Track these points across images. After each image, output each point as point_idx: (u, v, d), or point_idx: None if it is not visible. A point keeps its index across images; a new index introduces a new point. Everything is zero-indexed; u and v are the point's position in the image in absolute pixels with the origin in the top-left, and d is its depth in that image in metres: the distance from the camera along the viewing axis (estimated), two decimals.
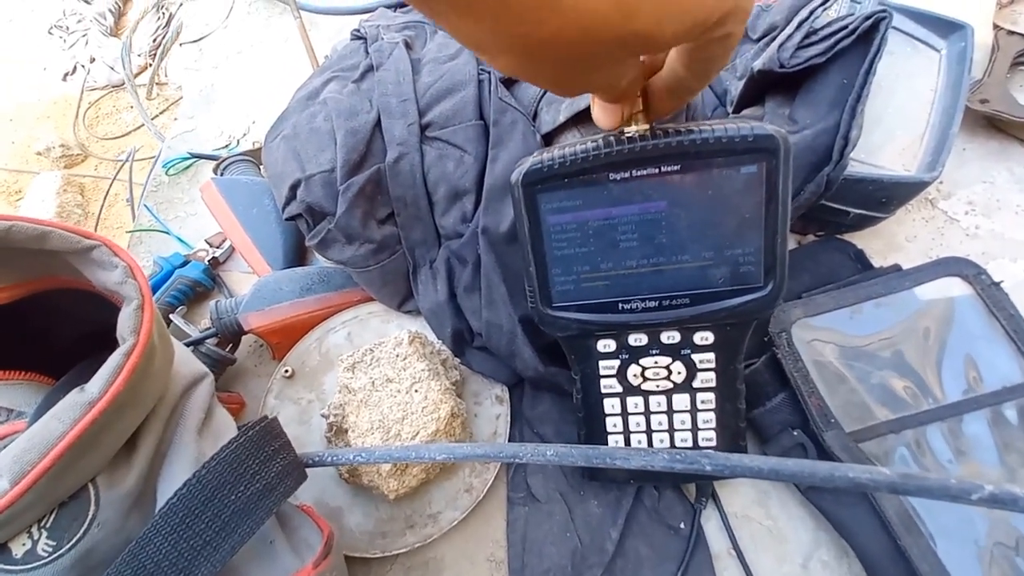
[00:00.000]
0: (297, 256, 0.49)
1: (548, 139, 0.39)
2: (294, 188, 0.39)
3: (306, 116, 0.41)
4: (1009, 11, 0.48)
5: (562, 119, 0.36)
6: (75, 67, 2.26)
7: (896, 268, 0.40)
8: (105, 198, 1.96)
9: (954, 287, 0.37)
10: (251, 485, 0.24)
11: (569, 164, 0.28)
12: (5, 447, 0.26)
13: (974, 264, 0.37)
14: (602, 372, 0.33)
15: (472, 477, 0.37)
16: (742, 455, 0.21)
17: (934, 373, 0.35)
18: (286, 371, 0.41)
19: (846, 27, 0.33)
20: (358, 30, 0.46)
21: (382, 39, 0.43)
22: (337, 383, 0.33)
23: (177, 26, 1.95)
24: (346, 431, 0.32)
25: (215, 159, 0.53)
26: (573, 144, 0.28)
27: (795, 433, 0.35)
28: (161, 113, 2.20)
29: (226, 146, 0.58)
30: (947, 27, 0.41)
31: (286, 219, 0.40)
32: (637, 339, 0.31)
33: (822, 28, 0.34)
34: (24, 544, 0.24)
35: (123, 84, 2.22)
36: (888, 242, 0.45)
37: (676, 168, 0.27)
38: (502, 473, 0.39)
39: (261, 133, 0.58)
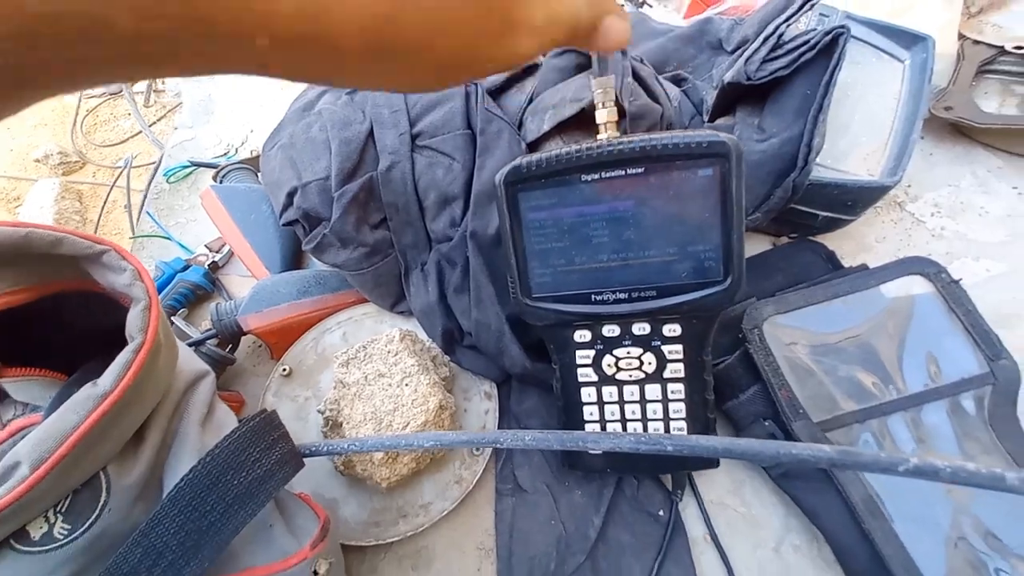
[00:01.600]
0: (293, 260, 0.51)
1: (533, 147, 0.41)
2: (291, 195, 0.41)
3: (302, 126, 0.43)
4: (976, 21, 0.51)
5: (546, 128, 0.39)
6: None
7: (863, 268, 0.42)
8: (104, 205, 1.98)
9: (916, 285, 0.39)
10: (252, 471, 0.26)
11: (546, 166, 0.30)
12: (23, 437, 0.28)
13: (935, 263, 0.39)
14: (579, 361, 0.35)
15: (462, 469, 0.39)
16: (699, 436, 0.23)
17: (897, 366, 0.37)
18: (284, 369, 0.43)
19: (807, 42, 0.35)
20: None
21: None
22: (332, 379, 0.35)
23: None
24: (341, 425, 0.34)
25: (214, 167, 0.55)
26: (552, 149, 0.31)
27: (767, 423, 0.37)
28: (159, 120, 2.22)
29: (225, 154, 0.60)
30: (910, 39, 0.43)
31: (283, 225, 0.42)
32: (611, 330, 0.33)
33: (788, 42, 0.37)
34: (41, 527, 0.25)
35: (121, 91, 2.25)
36: (859, 243, 0.47)
37: (640, 171, 0.29)
38: (491, 466, 0.41)
39: (258, 142, 0.60)
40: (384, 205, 0.42)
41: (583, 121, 0.39)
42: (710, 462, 0.36)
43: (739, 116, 0.40)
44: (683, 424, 0.35)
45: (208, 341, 0.45)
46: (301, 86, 0.63)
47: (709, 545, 0.38)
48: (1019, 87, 0.49)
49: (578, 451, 0.37)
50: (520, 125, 0.42)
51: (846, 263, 0.45)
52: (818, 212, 0.42)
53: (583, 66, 0.41)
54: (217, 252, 0.54)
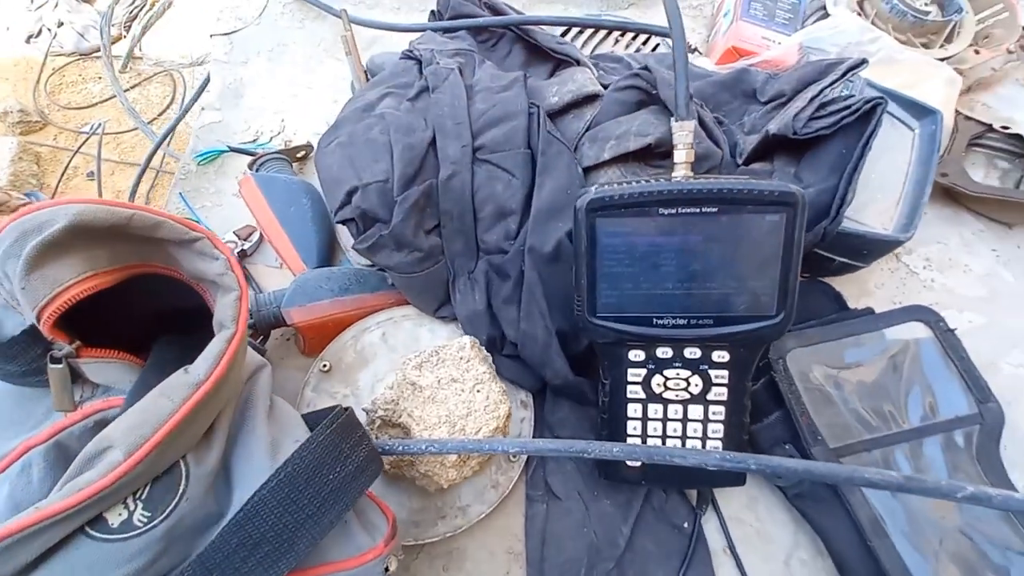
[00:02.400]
0: (329, 255, 0.51)
1: (588, 171, 0.43)
2: (351, 194, 0.41)
3: (362, 127, 0.44)
4: (967, 99, 0.57)
5: (607, 156, 0.41)
6: (40, 30, 2.13)
7: (869, 311, 0.47)
8: (64, 171, 1.86)
9: (917, 330, 0.44)
10: (344, 467, 0.27)
11: (628, 197, 0.32)
12: (99, 420, 0.28)
13: (934, 312, 0.44)
14: (630, 379, 0.37)
15: (498, 474, 0.41)
16: (782, 459, 0.26)
17: (901, 401, 0.41)
18: (324, 365, 0.43)
19: (850, 107, 0.39)
20: (410, 51, 0.49)
21: (436, 63, 0.46)
22: (393, 380, 0.36)
23: (164, 3, 1.88)
24: (398, 425, 0.35)
25: (252, 154, 0.54)
26: (630, 181, 0.33)
27: (787, 447, 0.41)
28: (132, 88, 2.12)
29: (254, 140, 0.59)
30: (921, 111, 0.48)
31: (337, 222, 0.43)
32: (664, 352, 0.36)
33: (829, 103, 0.41)
34: (120, 515, 0.25)
35: (92, 53, 2.12)
36: (860, 287, 0.52)
37: (714, 210, 0.32)
38: (522, 472, 0.43)
39: (293, 134, 0.59)
40: (440, 212, 0.43)
41: (639, 153, 0.42)
42: (738, 480, 0.39)
43: (777, 164, 0.44)
44: (719, 444, 0.37)
45: None
46: (337, 82, 0.63)
47: (728, 557, 0.40)
48: (1001, 162, 0.56)
49: (614, 462, 0.40)
50: (575, 149, 0.44)
51: (850, 304, 0.49)
52: (835, 257, 0.46)
53: (644, 102, 0.44)
54: (246, 240, 0.53)
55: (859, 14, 0.59)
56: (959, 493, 0.22)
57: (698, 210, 0.32)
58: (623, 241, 0.33)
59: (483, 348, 0.39)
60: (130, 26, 2.09)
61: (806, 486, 0.40)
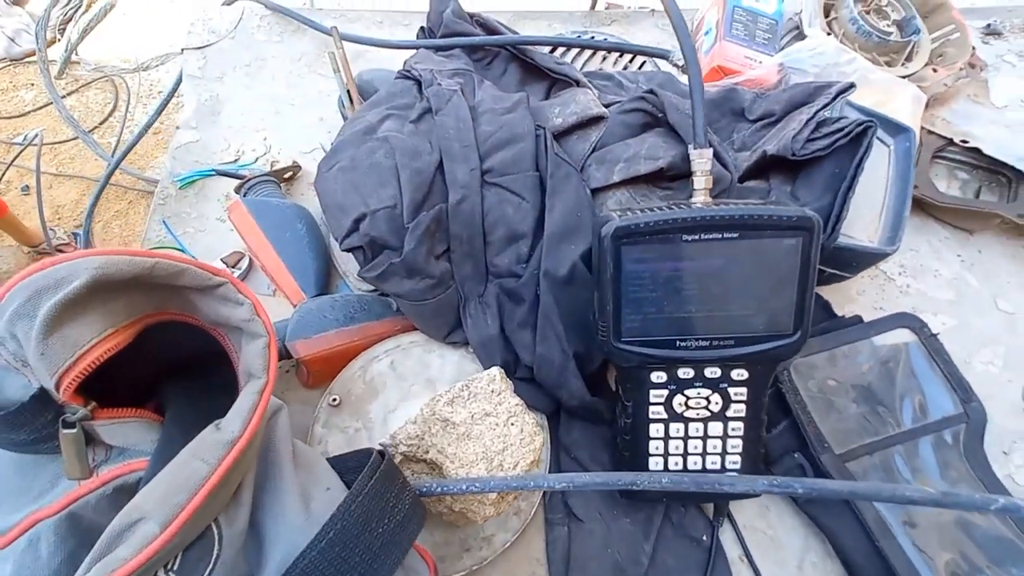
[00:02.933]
0: (326, 281, 0.49)
1: (595, 193, 0.44)
2: (358, 221, 0.40)
3: (365, 150, 0.42)
4: (927, 114, 0.61)
5: (616, 179, 0.41)
6: None
7: (858, 318, 0.49)
8: None
9: (904, 336, 0.47)
10: (392, 517, 0.26)
11: (653, 225, 0.33)
12: (119, 486, 0.26)
13: (918, 319, 0.47)
14: (651, 400, 0.38)
15: (520, 500, 0.40)
16: (834, 481, 0.27)
17: (894, 404, 0.44)
18: (333, 400, 0.41)
19: (843, 129, 0.41)
20: (408, 71, 0.48)
21: (438, 84, 0.46)
22: (417, 415, 0.35)
23: (105, 5, 1.77)
24: (424, 461, 0.34)
25: (240, 177, 0.51)
26: (652, 208, 0.34)
27: (796, 456, 0.42)
28: (69, 94, 1.97)
29: (235, 160, 0.57)
30: (895, 128, 0.51)
31: (344, 250, 0.41)
32: (685, 372, 0.37)
33: (822, 124, 0.43)
34: None
35: (24, 58, 1.97)
36: (844, 295, 0.55)
37: (735, 236, 0.33)
38: (541, 496, 0.43)
39: (278, 153, 0.57)
40: (449, 236, 0.42)
41: (648, 176, 0.42)
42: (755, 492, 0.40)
43: (773, 183, 0.45)
44: (738, 458, 0.38)
45: None
46: (322, 98, 0.61)
47: (744, 565, 0.42)
48: (961, 173, 0.60)
49: None
50: (581, 170, 0.45)
51: (836, 311, 0.52)
52: (825, 268, 0.48)
53: (649, 124, 0.44)
54: (235, 267, 0.50)
55: (829, 34, 0.62)
56: (992, 506, 0.24)
57: (720, 235, 0.33)
58: (647, 267, 0.34)
59: (508, 378, 0.39)
60: (64, 29, 1.95)
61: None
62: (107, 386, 0.27)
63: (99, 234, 1.71)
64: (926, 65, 0.64)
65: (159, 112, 0.74)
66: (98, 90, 1.96)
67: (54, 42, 1.96)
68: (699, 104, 0.36)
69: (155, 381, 0.30)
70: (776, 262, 0.33)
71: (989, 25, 0.73)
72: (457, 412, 0.34)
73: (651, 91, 0.44)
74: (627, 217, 0.33)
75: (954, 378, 0.44)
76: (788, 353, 0.35)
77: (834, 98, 0.43)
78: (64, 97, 1.93)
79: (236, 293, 0.27)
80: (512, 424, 0.34)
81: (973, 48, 0.66)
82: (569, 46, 0.57)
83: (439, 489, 0.29)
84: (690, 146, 0.37)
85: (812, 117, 0.42)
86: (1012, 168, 0.57)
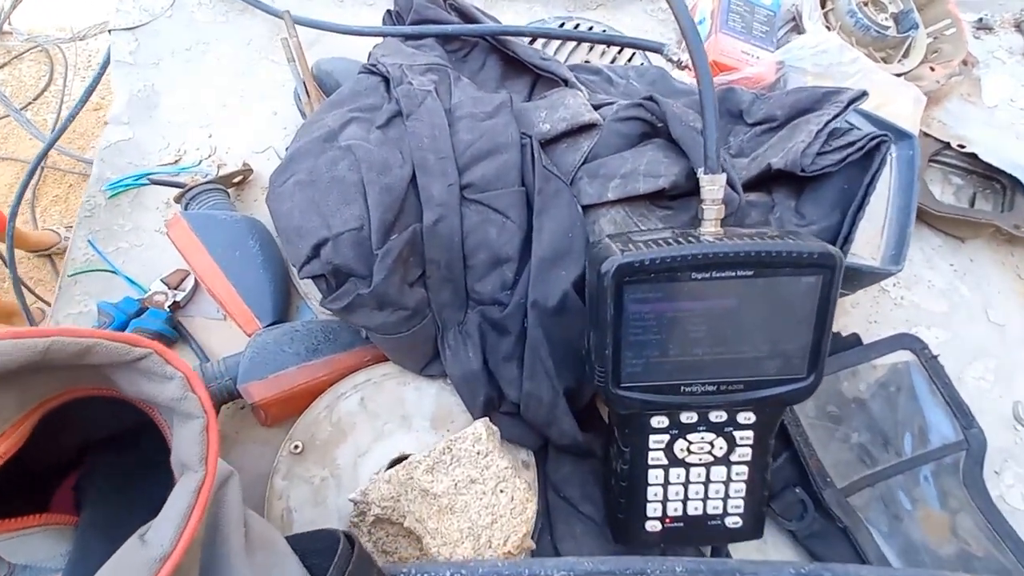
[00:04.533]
0: (285, 306, 0.44)
1: (586, 209, 0.39)
2: (318, 247, 0.35)
3: (325, 161, 0.37)
4: (924, 116, 0.59)
5: (612, 196, 0.37)
6: None
7: (855, 336, 0.47)
8: None
9: (905, 358, 0.45)
10: None
11: (660, 263, 0.29)
12: None
13: (919, 340, 0.45)
14: (651, 446, 0.35)
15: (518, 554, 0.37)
16: (850, 565, 0.24)
17: (895, 431, 0.42)
18: (295, 447, 0.37)
19: (854, 143, 0.38)
20: (373, 65, 0.42)
21: (408, 83, 0.40)
22: (391, 474, 0.31)
23: None
24: (399, 525, 0.30)
25: (179, 186, 0.45)
26: (658, 242, 0.30)
27: (797, 490, 0.40)
28: (0, 68, 1.78)
29: (176, 162, 0.50)
30: (897, 134, 0.49)
31: (303, 278, 0.36)
32: (688, 417, 0.34)
33: (832, 138, 0.39)
34: None
35: None
36: (839, 308, 0.53)
37: (749, 273, 0.30)
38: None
39: (225, 153, 0.50)
40: (425, 260, 0.38)
41: (646, 193, 0.38)
42: (756, 533, 0.38)
43: (776, 198, 0.42)
44: (740, 503, 0.36)
45: None
46: (274, 89, 0.54)
47: None
48: (956, 178, 0.58)
49: (632, 528, 0.37)
50: (571, 183, 0.40)
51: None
52: None
53: (647, 134, 0.40)
54: (177, 288, 0.44)
55: (826, 27, 0.59)
56: None
57: (733, 273, 0.29)
58: (652, 308, 0.30)
59: (495, 429, 0.35)
60: None
61: (816, 526, 0.40)
62: (6, 492, 0.22)
63: (39, 220, 1.57)
64: (922, 62, 0.61)
65: (92, 89, 0.65)
66: (32, 62, 1.78)
67: None
68: (712, 122, 0.32)
69: (69, 462, 0.25)
70: (793, 302, 0.30)
71: (981, 19, 0.71)
72: (438, 481, 0.30)
73: (650, 97, 0.39)
74: (631, 253, 0.29)
75: (954, 403, 0.43)
76: (801, 397, 0.32)
77: (845, 107, 0.39)
78: None
79: (163, 365, 0.22)
80: (501, 492, 0.30)
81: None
82: (554, 37, 0.52)
83: (416, 575, 0.25)
84: (700, 170, 0.33)
85: (823, 129, 0.39)
86: (1008, 175, 0.55)
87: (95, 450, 0.25)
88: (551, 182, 0.38)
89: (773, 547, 0.42)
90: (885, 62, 0.60)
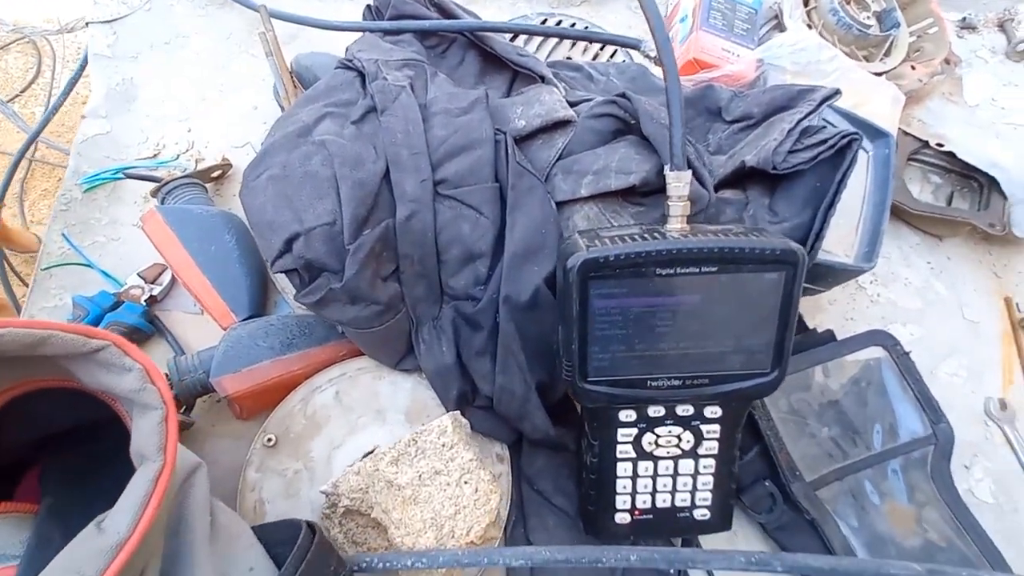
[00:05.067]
0: (262, 300, 0.44)
1: (560, 205, 0.40)
2: (290, 241, 0.35)
3: (298, 156, 0.37)
4: (904, 114, 0.59)
5: (585, 193, 0.37)
6: None
7: (830, 333, 0.48)
8: None
9: (877, 354, 0.45)
10: None
11: (624, 259, 0.29)
12: None
13: (891, 336, 0.45)
14: (620, 439, 0.35)
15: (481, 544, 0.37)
16: (811, 556, 0.25)
17: (865, 426, 0.43)
18: (268, 440, 0.37)
19: (826, 141, 0.38)
20: (349, 60, 0.42)
21: (383, 78, 0.40)
22: (360, 466, 0.31)
23: None
24: (367, 516, 0.30)
25: (155, 180, 0.45)
26: (623, 237, 0.30)
27: (767, 484, 0.41)
28: None
29: (154, 156, 0.50)
30: (874, 132, 0.49)
31: (275, 272, 0.36)
32: (656, 411, 0.34)
33: (805, 136, 0.39)
34: None
35: None
36: (815, 304, 0.54)
37: (713, 270, 0.30)
38: (502, 533, 0.40)
39: (204, 147, 0.50)
40: (398, 256, 0.38)
41: (619, 190, 0.39)
42: (724, 525, 0.38)
43: (751, 195, 0.42)
44: (708, 495, 0.36)
45: None
46: (254, 83, 0.54)
47: None
48: (935, 176, 0.59)
49: (602, 519, 0.38)
50: (546, 179, 0.40)
51: (806, 321, 0.50)
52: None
53: (621, 131, 0.40)
54: (154, 283, 0.44)
55: (808, 25, 0.59)
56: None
57: (697, 269, 0.30)
58: (617, 303, 0.30)
59: (463, 422, 0.35)
60: None
61: (785, 519, 0.41)
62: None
63: (27, 215, 1.56)
64: (904, 61, 0.61)
65: (75, 80, 0.65)
66: (19, 53, 1.76)
67: None
68: (678, 120, 0.32)
69: (33, 455, 0.25)
70: (756, 297, 0.31)
71: (965, 19, 0.71)
72: (403, 473, 0.30)
73: (623, 94, 0.39)
74: (596, 248, 0.29)
75: (924, 399, 0.43)
76: (765, 391, 0.33)
77: (818, 105, 0.39)
78: None
79: (122, 357, 0.22)
80: (465, 483, 0.31)
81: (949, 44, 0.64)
82: (533, 34, 0.52)
83: (379, 565, 0.25)
84: (666, 167, 0.33)
85: (794, 127, 0.39)
86: (984, 174, 0.55)
87: (58, 442, 0.25)
88: (524, 178, 0.39)
89: (743, 539, 0.42)
90: (867, 60, 0.61)
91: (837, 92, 0.40)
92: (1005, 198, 0.54)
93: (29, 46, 1.73)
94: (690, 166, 0.36)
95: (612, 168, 0.37)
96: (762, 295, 0.30)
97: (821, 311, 0.53)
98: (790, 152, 0.39)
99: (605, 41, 0.52)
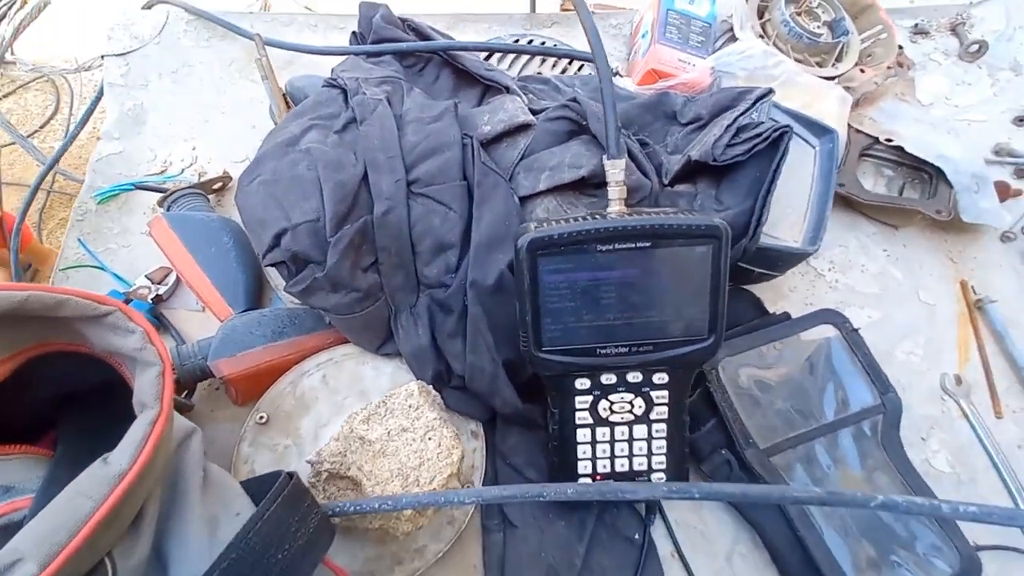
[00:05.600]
0: (257, 296, 0.48)
1: (524, 200, 0.44)
2: (279, 236, 0.39)
3: (287, 162, 0.42)
4: (856, 113, 0.63)
5: (542, 187, 0.42)
6: None
7: (786, 315, 0.51)
8: None
9: (827, 332, 0.48)
10: (295, 542, 0.25)
11: (566, 236, 0.33)
12: (4, 526, 0.25)
13: (841, 315, 0.48)
14: (577, 406, 0.38)
15: (454, 509, 0.40)
16: (721, 484, 0.28)
17: (818, 399, 0.45)
18: (261, 417, 0.41)
19: (760, 134, 0.42)
20: (334, 79, 0.47)
21: (363, 93, 0.45)
22: (339, 432, 0.34)
23: (40, 2, 1.69)
24: (348, 478, 0.34)
25: (162, 191, 0.50)
26: (568, 219, 0.34)
27: (723, 452, 0.44)
28: (6, 96, 1.88)
29: (162, 172, 0.55)
30: (820, 129, 0.53)
31: (266, 265, 0.40)
32: (608, 378, 0.38)
33: (743, 129, 0.43)
34: None
35: None
36: (777, 291, 0.57)
37: (648, 244, 0.34)
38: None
39: (207, 163, 0.55)
40: (377, 248, 0.42)
41: (574, 183, 0.43)
42: None
43: (700, 187, 0.46)
44: (663, 459, 0.39)
45: None
46: (253, 105, 0.59)
47: (676, 561, 0.43)
48: (887, 170, 0.62)
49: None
50: (511, 178, 0.45)
51: (769, 307, 0.54)
52: (754, 268, 0.50)
53: (575, 132, 0.45)
54: (160, 284, 0.49)
55: (763, 36, 0.64)
56: (872, 503, 0.25)
57: (633, 245, 0.33)
58: (564, 278, 0.34)
59: (431, 390, 0.39)
60: None
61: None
62: (20, 426, 0.26)
63: (44, 243, 1.63)
64: (855, 65, 0.66)
65: (90, 111, 0.71)
66: (37, 91, 1.87)
67: None
68: (611, 115, 0.36)
69: (53, 414, 0.29)
70: (688, 269, 0.34)
71: (917, 25, 0.76)
72: (373, 429, 0.34)
73: (574, 99, 0.44)
74: (542, 228, 0.33)
75: (872, 371, 0.46)
76: (705, 356, 0.36)
77: (753, 104, 0.44)
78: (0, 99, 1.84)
79: (126, 321, 0.26)
80: (429, 439, 0.34)
81: (900, 48, 0.69)
82: (497, 51, 0.57)
83: (351, 508, 0.29)
84: (604, 156, 0.37)
85: (732, 123, 0.43)
86: (932, 165, 0.59)
87: (72, 405, 0.29)
88: (489, 176, 0.43)
89: (708, 508, 0.45)
90: (819, 66, 0.65)
91: (771, 91, 0.44)
92: (951, 187, 0.57)
93: (48, 84, 1.84)
94: (632, 158, 0.40)
95: (566, 163, 0.41)
96: (694, 267, 0.34)
97: (782, 298, 0.56)
98: (728, 145, 0.43)
99: (564, 56, 0.57)
